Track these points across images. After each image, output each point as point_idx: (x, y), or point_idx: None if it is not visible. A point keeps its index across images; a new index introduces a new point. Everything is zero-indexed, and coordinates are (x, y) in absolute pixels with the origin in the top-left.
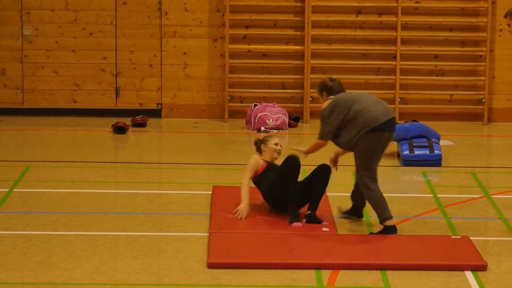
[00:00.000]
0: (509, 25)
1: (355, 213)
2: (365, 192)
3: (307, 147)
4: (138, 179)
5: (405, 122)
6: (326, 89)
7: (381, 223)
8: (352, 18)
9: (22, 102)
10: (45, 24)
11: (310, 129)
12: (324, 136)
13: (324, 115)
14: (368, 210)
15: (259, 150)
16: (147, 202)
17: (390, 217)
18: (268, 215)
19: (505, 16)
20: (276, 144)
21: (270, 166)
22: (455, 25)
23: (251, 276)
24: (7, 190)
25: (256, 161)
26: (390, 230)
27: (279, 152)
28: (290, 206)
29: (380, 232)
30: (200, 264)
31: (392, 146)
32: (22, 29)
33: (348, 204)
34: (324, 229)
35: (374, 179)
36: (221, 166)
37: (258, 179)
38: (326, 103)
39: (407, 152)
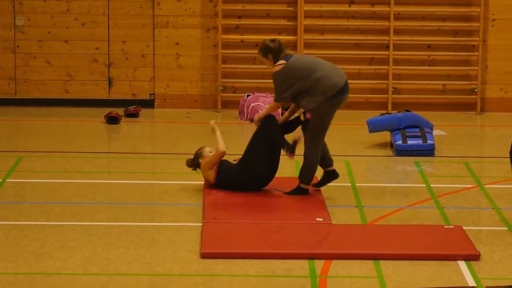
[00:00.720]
0: None
1: (330, 175)
2: (309, 153)
3: (264, 111)
4: (131, 169)
5: (398, 112)
6: (270, 50)
7: (301, 182)
8: (345, 8)
9: (15, 93)
10: (38, 14)
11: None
12: (281, 99)
13: (278, 81)
14: (362, 199)
15: (198, 166)
16: (140, 192)
17: (309, 184)
18: (261, 205)
19: None
20: (211, 152)
21: (221, 164)
22: (447, 15)
23: (244, 266)
24: (0, 180)
25: (207, 167)
26: (302, 191)
27: None
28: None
29: (292, 191)
30: (193, 254)
31: (385, 136)
32: (14, 19)
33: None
34: (317, 219)
35: (319, 146)
36: None
37: (218, 178)
38: (279, 67)
39: (400, 142)
